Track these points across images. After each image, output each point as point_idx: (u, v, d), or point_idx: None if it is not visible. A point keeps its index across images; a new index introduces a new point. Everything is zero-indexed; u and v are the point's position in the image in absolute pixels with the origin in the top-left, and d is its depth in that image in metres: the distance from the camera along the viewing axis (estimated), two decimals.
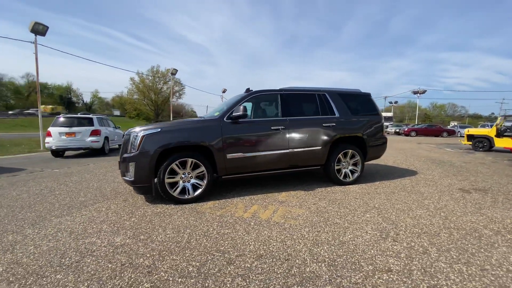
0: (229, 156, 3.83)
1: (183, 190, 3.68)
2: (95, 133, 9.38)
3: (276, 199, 3.84)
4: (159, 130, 3.59)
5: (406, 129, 25.24)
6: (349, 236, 2.58)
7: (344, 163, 4.67)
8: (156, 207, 3.52)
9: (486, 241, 2.46)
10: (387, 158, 8.13)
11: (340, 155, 4.56)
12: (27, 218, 3.19)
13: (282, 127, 4.15)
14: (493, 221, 2.96)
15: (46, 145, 9.00)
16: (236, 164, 3.91)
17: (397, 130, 27.32)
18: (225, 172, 3.90)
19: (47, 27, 11.44)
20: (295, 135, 4.23)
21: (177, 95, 69.14)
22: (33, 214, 3.34)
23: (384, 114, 38.55)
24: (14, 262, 2.17)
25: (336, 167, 4.57)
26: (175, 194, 3.60)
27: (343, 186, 4.55)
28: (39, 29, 11.24)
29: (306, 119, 4.39)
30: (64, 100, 78.26)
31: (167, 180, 3.55)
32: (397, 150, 10.62)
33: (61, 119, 9.38)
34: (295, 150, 4.23)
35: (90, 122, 9.49)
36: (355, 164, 4.77)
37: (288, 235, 2.62)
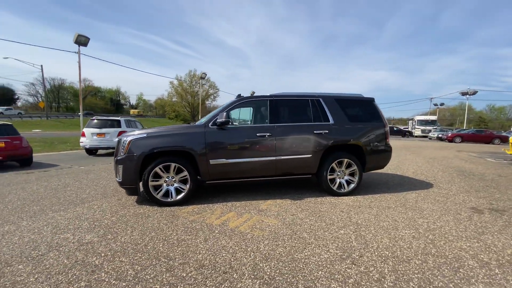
0: (212, 161, 3.88)
1: (167, 193, 3.83)
2: (122, 134, 10.21)
3: (257, 207, 3.77)
4: (145, 135, 3.79)
5: (449, 135, 22.67)
6: (306, 253, 2.44)
7: (339, 173, 4.40)
8: (140, 208, 3.72)
9: (463, 274, 2.11)
10: (408, 168, 7.44)
11: (333, 164, 4.31)
12: (30, 211, 3.62)
13: (269, 133, 4.07)
14: (489, 250, 2.53)
15: (81, 144, 10.08)
16: (219, 169, 3.94)
17: (440, 136, 24.70)
18: (208, 177, 3.96)
19: (89, 39, 12.79)
20: (283, 142, 4.12)
21: (212, 97, 71.98)
22: (37, 207, 3.78)
23: (427, 117, 35.29)
24: None
25: (330, 177, 4.32)
26: (158, 196, 3.76)
27: (335, 197, 4.29)
28: (81, 41, 12.62)
29: (295, 125, 4.24)
30: (114, 102, 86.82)
31: (151, 183, 3.73)
32: (426, 159, 9.63)
33: (94, 121, 10.41)
34: (283, 157, 4.12)
35: (118, 124, 10.38)
36: (352, 174, 4.46)
37: (244, 247, 2.56)
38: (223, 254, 2.42)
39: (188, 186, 3.84)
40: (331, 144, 4.26)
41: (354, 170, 4.41)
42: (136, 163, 3.67)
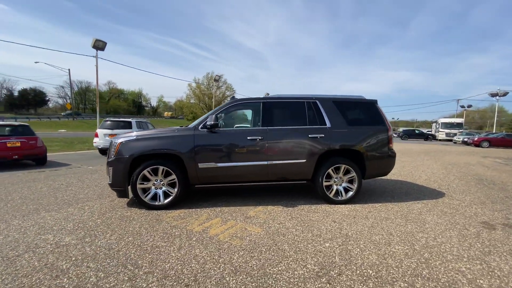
0: (200, 165, 3.80)
1: (156, 196, 3.80)
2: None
3: (245, 214, 3.64)
4: (134, 138, 3.79)
5: (475, 139, 21.12)
6: (279, 268, 2.27)
7: (336, 179, 4.15)
8: (128, 211, 3.72)
9: None
10: (421, 175, 6.94)
11: (330, 170, 4.07)
12: (26, 210, 3.73)
13: (260, 137, 3.92)
14: (492, 274, 2.21)
15: (94, 144, 10.48)
16: (208, 174, 3.85)
17: (465, 140, 23.11)
18: (197, 181, 3.88)
19: (105, 43, 13.33)
20: (275, 146, 3.95)
21: (228, 99, 72.86)
22: (33, 206, 3.89)
23: (452, 120, 33.32)
24: None
25: (325, 183, 4.09)
26: (146, 199, 3.74)
27: (331, 206, 4.05)
28: (99, 45, 13.19)
29: (288, 129, 4.06)
30: (136, 104, 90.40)
31: (139, 186, 3.71)
32: (444, 165, 8.97)
33: (107, 122, 10.78)
34: (274, 162, 3.95)
35: (129, 125, 10.67)
36: (350, 181, 4.19)
37: (216, 257, 2.44)
38: (192, 265, 2.31)
39: (176, 190, 3.79)
40: (327, 149, 4.03)
41: (352, 176, 4.14)
42: (125, 165, 3.67)
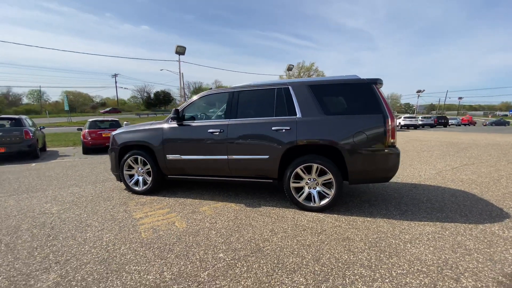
0: (169, 157, 4.00)
1: (138, 183, 4.32)
2: None
3: (197, 207, 3.60)
4: (122, 130, 4.40)
5: None
6: (136, 268, 2.18)
7: (308, 181, 3.41)
8: (118, 193, 4.40)
9: None
10: (483, 178, 4.60)
11: (298, 170, 3.39)
12: (66, 184, 5.05)
13: (220, 130, 3.71)
14: None
15: None
16: (175, 165, 4.01)
17: None
18: (167, 172, 4.11)
19: (185, 48, 15.48)
20: (234, 140, 3.64)
21: None
22: (73, 182, 5.20)
23: None
24: None
25: (294, 185, 3.44)
26: (130, 184, 4.31)
27: (298, 212, 3.38)
28: (181, 51, 15.45)
29: (249, 121, 3.61)
30: None
31: (125, 172, 4.32)
32: None
33: None
34: (235, 157, 3.65)
35: None
36: (328, 185, 3.35)
37: (110, 246, 2.58)
38: (86, 246, 2.55)
39: (150, 178, 4.16)
40: (292, 145, 3.36)
41: (329, 179, 3.29)
42: (115, 154, 4.34)
